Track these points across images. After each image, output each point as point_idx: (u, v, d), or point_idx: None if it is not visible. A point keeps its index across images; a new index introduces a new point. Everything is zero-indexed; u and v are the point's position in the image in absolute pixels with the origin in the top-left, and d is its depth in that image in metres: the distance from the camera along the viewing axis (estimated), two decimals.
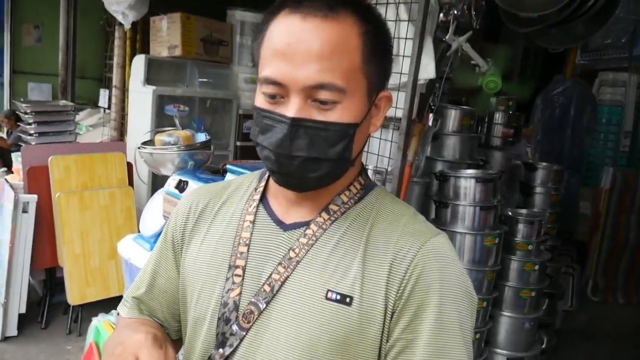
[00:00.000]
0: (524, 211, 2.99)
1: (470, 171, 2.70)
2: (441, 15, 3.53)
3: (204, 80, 4.24)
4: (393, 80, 2.31)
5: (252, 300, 0.83)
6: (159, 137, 2.60)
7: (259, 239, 0.87)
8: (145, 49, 4.44)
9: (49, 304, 3.53)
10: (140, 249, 2.42)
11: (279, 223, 0.87)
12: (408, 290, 0.79)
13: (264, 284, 0.84)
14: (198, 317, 0.89)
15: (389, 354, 0.80)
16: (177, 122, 2.78)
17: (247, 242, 0.87)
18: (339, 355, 0.79)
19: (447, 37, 2.62)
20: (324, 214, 0.86)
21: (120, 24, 4.11)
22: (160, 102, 3.80)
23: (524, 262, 2.74)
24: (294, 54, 0.76)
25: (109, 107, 4.69)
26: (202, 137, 2.68)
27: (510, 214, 2.87)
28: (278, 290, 0.83)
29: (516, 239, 2.75)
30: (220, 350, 0.85)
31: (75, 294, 3.38)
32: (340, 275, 0.81)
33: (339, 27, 0.77)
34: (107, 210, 3.51)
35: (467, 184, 2.58)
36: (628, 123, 4.95)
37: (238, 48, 4.36)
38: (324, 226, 0.85)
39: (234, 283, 0.85)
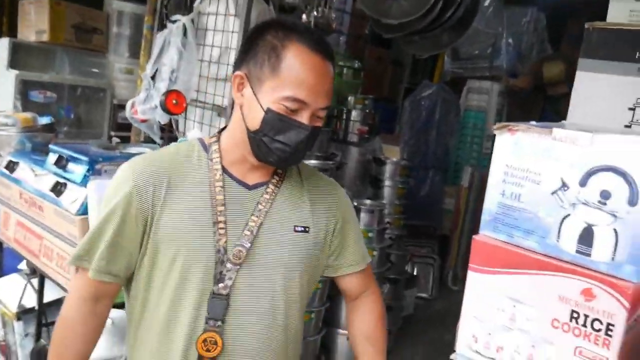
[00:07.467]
0: (367, 202, 3.22)
1: (311, 162, 2.88)
2: (303, 16, 3.71)
3: (77, 67, 4.16)
4: (223, 72, 2.44)
5: (238, 243, 1.15)
6: None
7: (231, 198, 1.17)
8: (12, 33, 4.30)
9: None
10: None
11: (244, 185, 1.19)
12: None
13: (243, 230, 1.16)
14: (191, 263, 1.14)
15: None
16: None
17: (223, 202, 1.16)
18: (305, 265, 1.23)
19: None
20: (275, 177, 1.23)
21: None
22: (24, 88, 3.71)
23: None
24: (319, 86, 1.12)
25: None
26: (46, 119, 2.68)
27: (356, 204, 3.08)
28: (257, 233, 1.16)
29: None
30: (221, 284, 1.14)
31: None
32: (298, 214, 1.22)
33: (331, 69, 1.16)
34: None
35: None
36: (490, 127, 5.36)
37: (114, 38, 4.32)
38: (278, 185, 1.22)
39: (219, 234, 1.14)
